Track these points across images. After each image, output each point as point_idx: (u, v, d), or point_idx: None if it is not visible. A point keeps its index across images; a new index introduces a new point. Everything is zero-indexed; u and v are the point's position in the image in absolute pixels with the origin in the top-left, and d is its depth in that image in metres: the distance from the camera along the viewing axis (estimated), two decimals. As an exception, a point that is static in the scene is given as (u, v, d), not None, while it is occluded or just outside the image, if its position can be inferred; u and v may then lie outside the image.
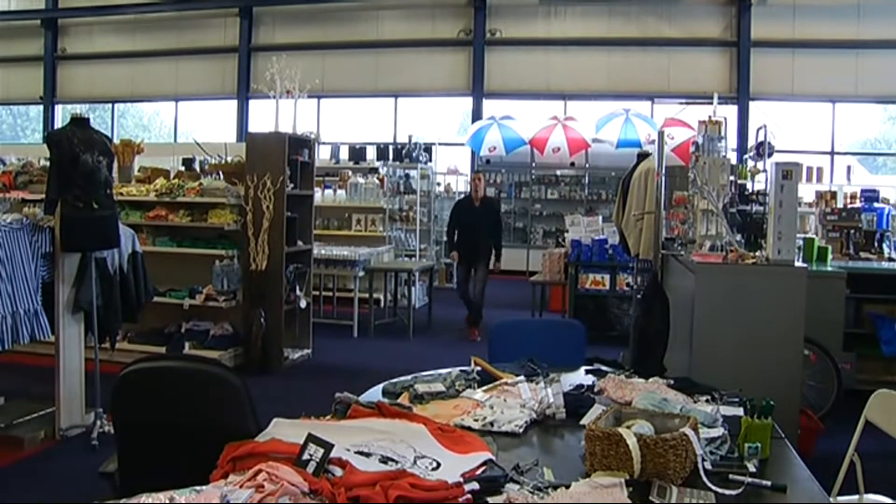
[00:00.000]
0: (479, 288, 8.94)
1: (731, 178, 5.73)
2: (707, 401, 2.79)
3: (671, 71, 15.60)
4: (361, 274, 9.16)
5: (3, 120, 20.76)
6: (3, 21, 19.06)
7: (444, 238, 13.87)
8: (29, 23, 18.90)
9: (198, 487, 1.47)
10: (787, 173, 4.47)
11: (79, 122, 5.18)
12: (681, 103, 15.31)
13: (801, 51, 15.07)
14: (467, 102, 16.74)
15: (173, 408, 2.47)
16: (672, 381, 3.02)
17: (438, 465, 2.04)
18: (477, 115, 16.14)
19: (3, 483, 4.47)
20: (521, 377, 2.96)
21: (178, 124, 19.14)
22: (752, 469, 2.18)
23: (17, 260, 4.81)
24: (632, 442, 2.04)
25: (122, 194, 7.08)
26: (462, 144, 15.78)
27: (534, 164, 15.77)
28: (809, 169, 12.96)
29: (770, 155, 6.54)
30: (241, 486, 1.76)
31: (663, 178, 5.51)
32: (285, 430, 2.14)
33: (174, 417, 2.44)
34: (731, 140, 10.52)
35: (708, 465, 2.15)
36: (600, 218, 10.35)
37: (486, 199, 9.20)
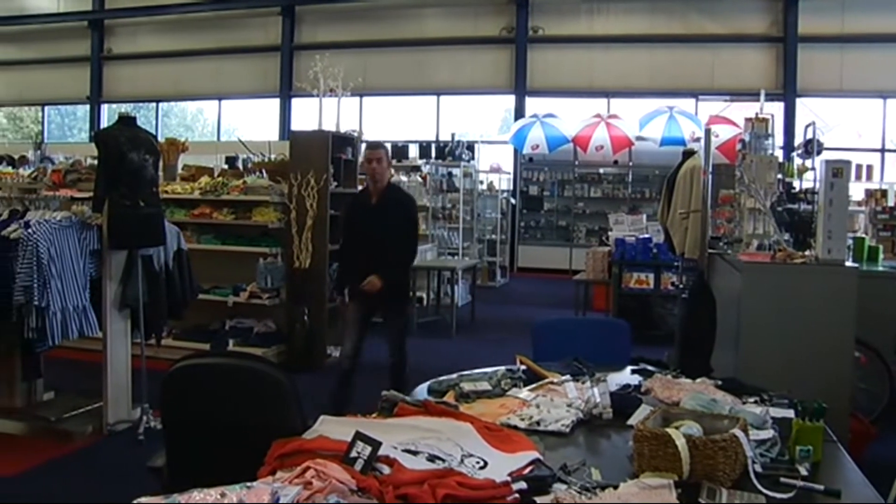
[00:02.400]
0: (395, 346, 5.50)
1: (779, 176, 5.66)
2: (756, 402, 2.76)
3: (715, 67, 15.37)
4: (404, 272, 9.16)
5: (51, 119, 21.23)
6: (52, 23, 19.50)
7: (476, 239, 13.94)
8: (76, 24, 19.31)
9: (248, 484, 1.49)
10: (838, 171, 4.39)
11: (126, 121, 5.27)
12: (725, 100, 15.10)
13: (850, 46, 14.72)
14: (510, 100, 16.71)
15: (221, 404, 2.51)
16: (720, 382, 2.99)
17: (485, 464, 2.04)
18: (520, 112, 16.08)
19: (53, 475, 4.57)
20: (567, 376, 2.95)
21: (222, 123, 19.39)
22: (803, 472, 2.14)
23: (66, 257, 4.90)
24: (681, 443, 2.02)
25: (166, 192, 7.15)
26: (505, 142, 15.77)
27: (577, 163, 15.66)
28: (859, 167, 12.70)
29: (819, 153, 6.44)
30: (289, 483, 1.78)
31: (710, 176, 5.45)
32: (332, 428, 2.16)
33: (222, 414, 2.48)
34: (778, 138, 10.33)
35: (758, 468, 2.11)
36: (644, 216, 10.27)
37: (389, 193, 5.43)
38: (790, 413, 2.56)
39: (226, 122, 19.37)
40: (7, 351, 5.23)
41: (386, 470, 1.89)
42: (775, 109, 13.55)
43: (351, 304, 5.43)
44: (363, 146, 5.22)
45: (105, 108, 19.69)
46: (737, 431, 2.08)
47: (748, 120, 5.82)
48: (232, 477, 1.78)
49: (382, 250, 5.18)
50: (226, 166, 9.31)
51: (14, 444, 5.05)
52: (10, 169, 7.12)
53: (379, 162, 5.24)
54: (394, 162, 13.25)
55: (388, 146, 13.81)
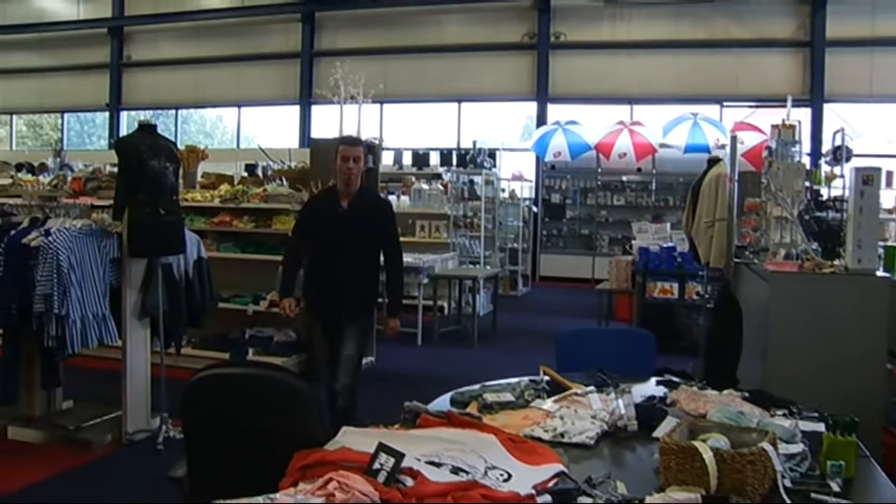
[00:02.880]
0: (347, 379, 4.60)
1: (807, 183, 5.58)
2: (784, 415, 2.70)
3: (740, 73, 15.24)
4: (426, 281, 9.16)
5: (70, 127, 21.47)
6: (72, 30, 19.74)
7: (497, 248, 13.91)
8: (96, 31, 19.53)
9: (271, 496, 1.47)
10: (868, 178, 4.32)
11: (146, 129, 5.27)
12: (750, 106, 14.97)
13: (880, 49, 14.49)
14: (532, 107, 16.68)
15: (243, 414, 2.50)
16: (747, 394, 2.93)
17: (509, 476, 2.01)
18: (541, 119, 16.06)
19: (72, 484, 4.58)
20: (591, 387, 2.91)
21: (241, 130, 19.52)
22: (835, 488, 2.09)
23: (86, 265, 4.91)
24: (708, 456, 1.98)
25: (186, 200, 7.16)
26: (527, 150, 15.72)
27: (599, 170, 15.57)
28: (890, 173, 12.49)
29: (848, 159, 6.35)
30: (311, 495, 1.76)
31: (735, 184, 5.39)
32: (355, 439, 2.14)
33: (243, 424, 2.47)
34: (805, 144, 10.20)
35: (788, 483, 2.07)
36: (668, 225, 10.18)
37: (363, 197, 4.71)
38: (820, 427, 2.51)
39: (245, 130, 19.50)
40: (27, 359, 5.25)
41: (409, 482, 1.87)
42: (802, 115, 13.40)
43: (314, 324, 4.98)
44: (342, 146, 4.57)
45: (124, 115, 19.90)
46: (766, 445, 2.04)
47: (774, 127, 5.75)
48: (253, 488, 1.76)
49: (352, 262, 4.62)
50: (245, 174, 9.32)
51: (33, 452, 5.07)
52: (30, 176, 7.17)
53: (356, 161, 4.51)
54: (414, 170, 13.36)
55: (409, 153, 14.08)
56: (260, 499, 1.43)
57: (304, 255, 4.81)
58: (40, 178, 6.89)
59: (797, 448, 2.31)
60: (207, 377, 2.56)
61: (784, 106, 7.66)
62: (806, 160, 7.17)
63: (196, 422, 2.56)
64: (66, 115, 21.17)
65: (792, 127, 5.70)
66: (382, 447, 1.89)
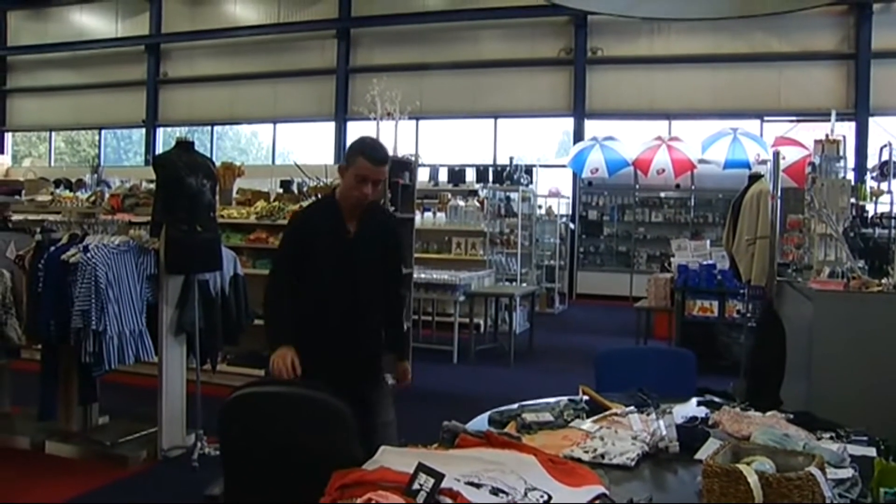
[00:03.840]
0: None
1: (852, 200, 5.48)
2: (831, 438, 2.62)
3: (782, 87, 15.04)
4: (462, 298, 9.13)
5: (107, 143, 21.80)
6: (111, 48, 20.10)
7: (534, 265, 13.86)
8: (133, 49, 19.86)
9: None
10: (917, 195, 4.22)
11: (184, 146, 5.30)
12: (792, 121, 14.75)
13: (929, 60, 14.18)
14: (568, 123, 16.62)
15: (280, 432, 2.49)
16: (791, 416, 2.86)
17: (549, 497, 1.97)
18: (578, 135, 15.98)
19: (108, 499, 4.60)
20: (632, 408, 2.86)
21: (276, 146, 19.70)
22: (888, 516, 2.01)
23: (123, 282, 4.94)
24: (753, 480, 1.92)
25: (222, 217, 7.17)
26: (563, 166, 15.66)
27: (637, 186, 15.45)
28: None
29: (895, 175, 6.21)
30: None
31: (778, 201, 5.29)
32: (393, 459, 2.12)
33: (281, 442, 2.46)
34: (849, 159, 10.01)
35: (837, 510, 2.00)
36: (708, 242, 10.02)
37: (370, 214, 3.50)
38: (869, 451, 2.44)
39: (280, 146, 19.67)
40: (64, 375, 5.30)
41: (448, 503, 1.84)
42: (846, 130, 13.16)
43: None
44: (363, 160, 3.27)
45: (160, 131, 20.20)
46: (813, 469, 1.97)
47: (818, 142, 5.67)
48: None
49: (363, 303, 3.44)
50: (280, 190, 9.39)
51: (70, 467, 5.10)
52: (68, 192, 7.30)
53: (376, 185, 3.36)
54: (450, 186, 13.35)
55: (444, 170, 14.08)
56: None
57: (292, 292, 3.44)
58: (78, 194, 7.01)
59: (846, 473, 2.24)
60: (246, 395, 2.56)
61: (827, 120, 7.54)
62: (850, 176, 7.03)
63: (234, 440, 2.56)
64: (103, 132, 21.56)
65: (836, 142, 5.61)
66: (422, 467, 1.87)
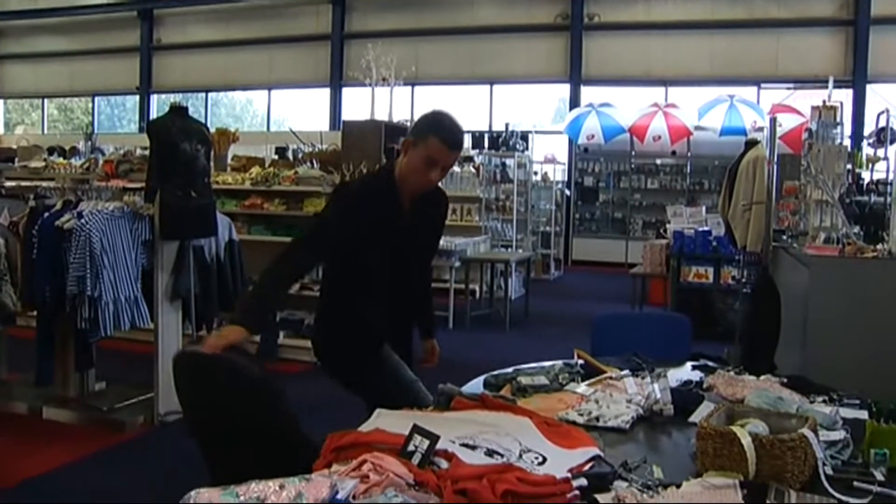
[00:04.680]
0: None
1: (848, 166, 5.48)
2: (824, 401, 2.64)
3: (779, 54, 14.95)
4: (457, 264, 9.14)
5: (101, 110, 21.65)
6: (102, 13, 19.86)
7: (530, 231, 13.85)
8: (126, 14, 19.62)
9: (307, 476, 1.47)
10: (913, 161, 4.21)
11: (178, 112, 5.26)
12: (789, 88, 14.67)
13: (929, 27, 14.06)
14: (564, 89, 16.54)
15: (206, 401, 2.50)
16: (785, 379, 2.88)
17: (544, 459, 1.99)
18: (574, 102, 15.91)
19: (106, 464, 4.63)
20: (626, 371, 2.87)
21: (271, 113, 19.56)
22: (879, 477, 2.03)
23: (118, 248, 4.92)
24: (746, 441, 1.93)
25: (217, 183, 7.12)
26: (559, 132, 15.60)
27: (633, 153, 15.44)
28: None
29: (892, 142, 6.20)
30: (345, 476, 1.75)
31: (775, 167, 5.29)
32: (389, 421, 2.13)
33: (206, 411, 2.48)
34: (846, 127, 9.98)
35: (829, 471, 2.01)
36: (703, 208, 10.04)
37: (429, 193, 3.05)
38: (862, 414, 2.46)
39: (275, 113, 19.54)
40: (61, 341, 5.30)
41: (444, 464, 1.85)
42: (843, 97, 13.11)
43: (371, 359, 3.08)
44: (437, 140, 2.80)
45: (154, 98, 20.02)
46: (806, 431, 1.99)
47: (815, 108, 5.65)
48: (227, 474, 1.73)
49: (405, 288, 3.12)
50: (276, 157, 9.34)
51: (67, 432, 5.13)
52: (62, 160, 7.24)
53: (445, 172, 2.99)
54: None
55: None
56: (296, 479, 1.42)
57: (322, 271, 3.26)
58: (72, 161, 6.96)
59: (838, 435, 2.25)
60: (180, 356, 2.59)
61: (825, 87, 7.50)
62: (847, 143, 7.01)
63: (182, 401, 2.56)
64: (96, 99, 21.37)
65: (833, 108, 5.59)
66: (417, 429, 1.88)
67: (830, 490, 1.92)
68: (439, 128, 2.84)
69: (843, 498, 1.89)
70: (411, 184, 2.92)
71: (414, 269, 3.15)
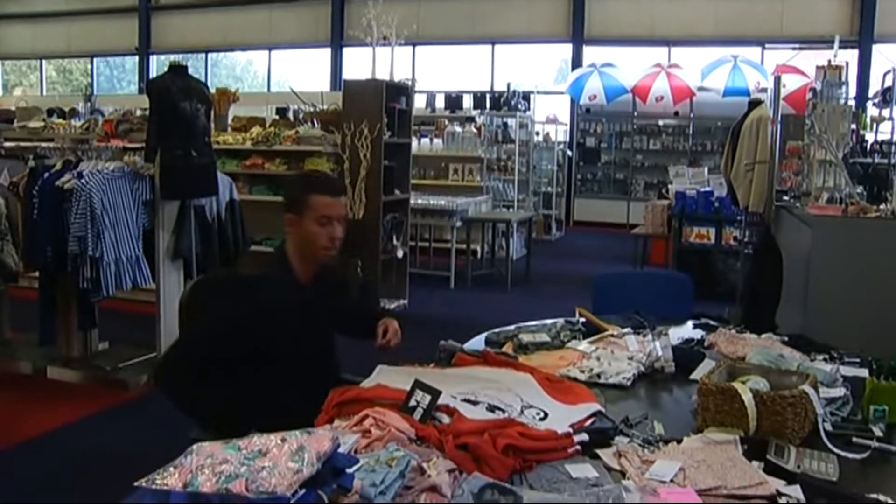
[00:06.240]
0: None
1: (852, 126, 5.43)
2: (825, 359, 2.65)
3: (784, 14, 14.72)
4: (459, 224, 9.13)
5: (100, 72, 21.40)
6: (100, -28, 19.52)
7: (531, 191, 13.79)
8: (124, -27, 19.30)
9: (309, 430, 1.48)
10: (919, 120, 4.18)
11: (177, 70, 5.20)
12: (794, 48, 14.50)
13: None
14: (567, 49, 16.34)
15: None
16: (786, 338, 2.89)
17: (545, 415, 2.00)
18: (577, 62, 15.74)
19: (110, 424, 4.67)
20: (628, 329, 2.88)
21: (272, 74, 19.34)
22: (878, 433, 2.04)
23: (119, 208, 4.90)
24: (747, 398, 1.95)
25: (218, 143, 7.11)
26: (562, 93, 15.48)
27: (636, 114, 15.31)
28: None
29: (897, 101, 6.14)
30: (347, 431, 1.77)
31: (778, 126, 5.24)
32: (391, 377, 2.14)
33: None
34: (851, 87, 9.87)
35: (828, 427, 2.03)
36: (706, 169, 9.98)
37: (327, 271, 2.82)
38: (862, 372, 2.47)
39: (276, 74, 19.32)
40: (63, 301, 5.30)
41: (445, 419, 1.87)
42: (849, 57, 12.96)
43: None
44: (319, 197, 2.59)
45: (154, 59, 19.75)
46: (806, 388, 2.00)
47: (820, 68, 5.59)
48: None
49: (321, 363, 2.73)
50: (276, 117, 9.28)
51: (71, 391, 5.17)
52: (61, 120, 7.20)
53: (341, 222, 2.67)
54: (447, 113, 13.21)
55: (441, 96, 13.90)
56: (297, 432, 1.43)
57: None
58: (72, 121, 6.92)
59: (838, 392, 2.27)
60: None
61: (829, 48, 7.41)
62: (851, 104, 6.95)
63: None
64: (95, 60, 21.11)
65: (838, 67, 5.53)
66: (419, 384, 1.89)
67: (829, 445, 1.93)
68: (314, 185, 2.65)
69: (842, 453, 1.91)
70: (316, 254, 2.64)
71: (329, 346, 2.78)
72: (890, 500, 1.55)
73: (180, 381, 2.51)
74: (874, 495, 1.65)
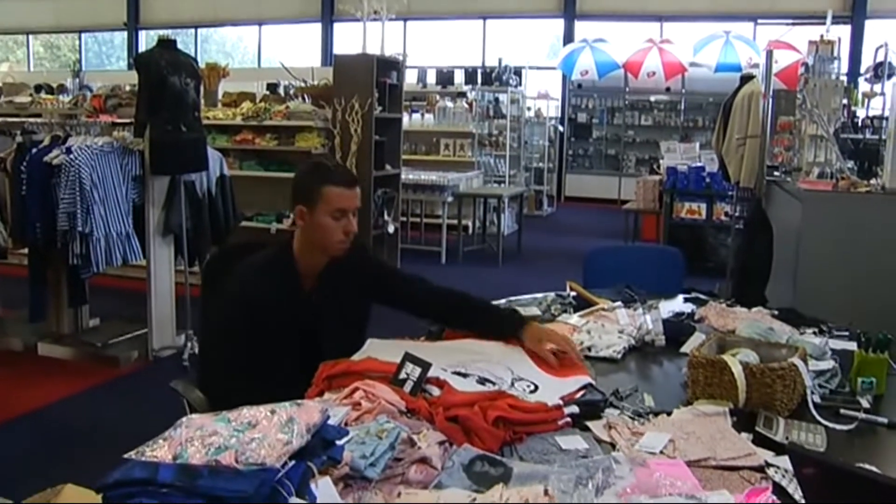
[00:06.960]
0: None
1: (844, 102, 5.42)
2: (814, 333, 2.67)
3: (777, -11, 14.67)
4: (450, 199, 9.13)
5: (88, 47, 21.07)
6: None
7: (523, 167, 13.74)
8: (112, -54, 18.93)
9: (298, 402, 1.47)
10: (910, 94, 4.17)
11: (166, 45, 5.15)
12: (787, 24, 14.44)
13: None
14: (558, 24, 16.23)
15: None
16: (776, 312, 2.91)
17: (536, 387, 2.01)
18: (568, 37, 15.64)
19: (102, 399, 4.68)
20: (619, 303, 2.89)
21: (262, 50, 19.14)
22: (865, 405, 2.06)
23: (108, 183, 4.87)
24: (737, 370, 1.96)
25: (208, 118, 7.07)
26: (553, 68, 15.40)
27: (627, 89, 15.27)
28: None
29: (889, 76, 6.13)
30: (338, 403, 1.77)
31: (770, 101, 5.23)
32: (381, 350, 2.14)
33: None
34: (843, 63, 9.84)
35: (817, 399, 2.05)
36: (697, 145, 9.97)
37: (352, 258, 2.51)
38: (850, 345, 2.49)
39: (266, 51, 19.11)
40: (54, 278, 5.29)
41: (436, 392, 1.87)
42: (842, 33, 12.90)
43: None
44: (333, 188, 2.39)
45: (143, 34, 19.46)
46: (796, 360, 2.01)
47: (812, 42, 5.55)
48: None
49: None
50: (267, 93, 9.21)
51: (62, 368, 5.16)
52: (49, 96, 7.12)
53: (355, 215, 2.46)
54: (438, 88, 13.14)
55: (433, 71, 13.81)
56: (287, 404, 1.43)
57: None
58: (60, 97, 6.85)
59: (827, 364, 2.29)
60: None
61: (822, 24, 7.36)
62: (843, 80, 6.94)
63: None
64: (83, 36, 20.79)
65: (831, 42, 5.50)
66: (409, 357, 1.89)
67: (817, 417, 1.95)
68: (328, 175, 2.43)
69: (830, 424, 1.92)
70: (329, 248, 2.44)
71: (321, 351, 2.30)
72: (876, 469, 1.56)
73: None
74: (861, 465, 1.67)
